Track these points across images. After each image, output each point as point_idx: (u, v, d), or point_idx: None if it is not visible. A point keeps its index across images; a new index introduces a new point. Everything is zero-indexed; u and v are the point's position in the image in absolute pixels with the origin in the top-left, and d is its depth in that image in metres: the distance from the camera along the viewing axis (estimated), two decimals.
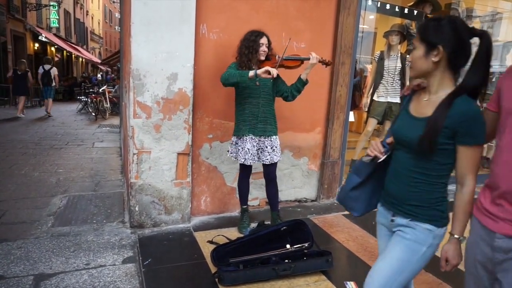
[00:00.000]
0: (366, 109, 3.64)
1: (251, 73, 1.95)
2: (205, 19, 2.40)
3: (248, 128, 2.11)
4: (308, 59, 2.10)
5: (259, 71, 1.93)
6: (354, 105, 3.73)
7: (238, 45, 2.17)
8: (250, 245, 1.93)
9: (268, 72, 1.91)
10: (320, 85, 2.88)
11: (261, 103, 2.12)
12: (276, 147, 2.16)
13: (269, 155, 2.14)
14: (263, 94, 2.12)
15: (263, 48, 2.11)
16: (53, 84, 8.02)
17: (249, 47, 2.11)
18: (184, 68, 2.29)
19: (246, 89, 2.10)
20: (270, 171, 2.21)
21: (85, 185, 3.13)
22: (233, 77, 1.99)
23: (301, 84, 2.16)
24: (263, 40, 2.11)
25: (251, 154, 2.13)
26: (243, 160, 2.13)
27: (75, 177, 3.33)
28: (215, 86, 2.48)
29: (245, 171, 2.24)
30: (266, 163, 2.16)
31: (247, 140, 2.12)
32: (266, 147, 2.14)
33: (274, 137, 2.16)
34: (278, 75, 2.14)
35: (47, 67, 8.10)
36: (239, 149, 2.14)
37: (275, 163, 2.20)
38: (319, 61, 2.10)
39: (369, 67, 4.31)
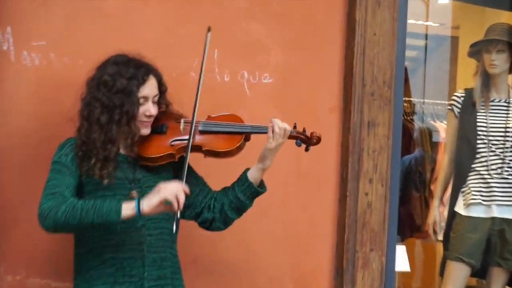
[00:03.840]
0: (441, 237, 3.65)
1: (127, 209, 2.03)
2: (10, 19, 2.53)
3: None
4: (264, 130, 2.22)
5: (147, 204, 2.02)
6: (410, 228, 3.85)
7: (81, 94, 2.22)
8: None
9: (176, 198, 2.02)
10: (321, 179, 2.99)
11: (146, 244, 2.20)
12: None
13: None
14: (150, 221, 2.20)
15: (149, 109, 2.19)
16: None
17: (112, 107, 2.14)
18: None
19: None
20: None
21: None
22: (77, 216, 2.05)
23: (245, 191, 2.26)
24: (149, 88, 2.19)
25: None
26: None
27: None
28: (29, 187, 2.51)
29: None
30: None
31: None
32: None
33: None
34: (189, 166, 2.26)
35: None
36: None
37: None
38: (292, 137, 2.23)
39: (440, 126, 4.48)
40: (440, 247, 3.83)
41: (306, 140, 2.25)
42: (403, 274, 3.40)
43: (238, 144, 2.23)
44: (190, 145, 2.18)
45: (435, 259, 4.61)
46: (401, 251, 3.29)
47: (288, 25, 2.96)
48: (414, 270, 4.65)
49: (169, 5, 2.83)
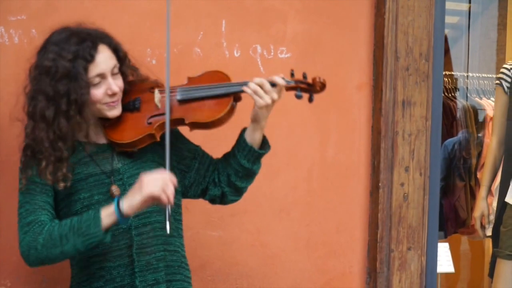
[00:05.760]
0: (490, 233, 3.69)
1: (106, 216, 2.05)
2: None
3: None
4: (245, 87, 2.18)
5: (129, 205, 2.04)
6: (453, 222, 3.85)
7: (24, 87, 2.23)
8: None
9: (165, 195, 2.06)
10: (349, 169, 3.03)
11: (136, 246, 2.20)
12: None
13: None
14: (137, 218, 2.21)
15: (111, 87, 2.16)
16: None
17: (58, 97, 2.11)
18: None
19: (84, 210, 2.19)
20: None
21: None
22: (58, 244, 2.08)
23: (248, 157, 2.27)
24: (103, 62, 2.16)
25: None
26: None
27: None
28: (9, 187, 2.57)
29: None
30: None
31: None
32: None
33: None
34: (177, 135, 2.33)
35: None
36: None
37: None
38: (290, 88, 2.21)
39: (487, 104, 4.59)
40: (489, 244, 3.86)
41: (307, 88, 2.19)
42: (446, 275, 3.40)
43: (227, 110, 2.20)
44: (169, 122, 2.14)
45: (483, 258, 4.63)
46: (443, 249, 3.29)
47: None
48: (459, 271, 4.69)
49: None
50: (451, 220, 3.77)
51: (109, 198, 2.14)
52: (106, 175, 2.18)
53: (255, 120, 2.22)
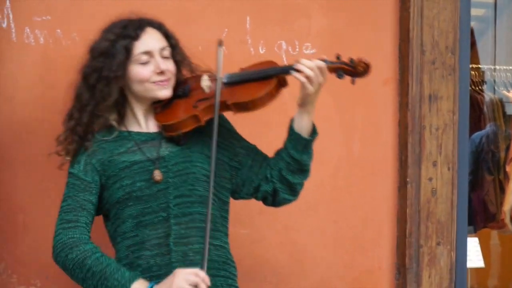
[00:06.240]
0: None
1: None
2: None
3: None
4: (290, 69, 2.17)
5: None
6: (483, 217, 3.87)
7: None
8: None
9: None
10: (376, 165, 3.04)
11: (173, 235, 2.20)
12: None
13: None
14: (178, 207, 2.21)
15: (159, 65, 2.18)
16: None
17: (91, 73, 2.17)
18: None
19: (129, 203, 2.19)
20: None
21: None
22: (83, 272, 2.12)
23: (296, 146, 2.24)
24: (149, 41, 2.20)
25: None
26: None
27: None
28: (38, 187, 2.60)
29: None
30: None
31: None
32: None
33: None
34: (231, 132, 2.34)
35: None
36: None
37: None
38: (332, 69, 2.18)
39: None
40: None
41: (350, 70, 2.16)
42: (476, 270, 3.36)
43: (268, 90, 2.17)
44: (217, 107, 2.13)
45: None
46: (473, 244, 3.26)
47: None
48: (489, 266, 4.64)
49: None
50: (480, 214, 3.74)
51: (152, 184, 2.15)
52: (151, 162, 2.18)
53: (302, 104, 2.20)
